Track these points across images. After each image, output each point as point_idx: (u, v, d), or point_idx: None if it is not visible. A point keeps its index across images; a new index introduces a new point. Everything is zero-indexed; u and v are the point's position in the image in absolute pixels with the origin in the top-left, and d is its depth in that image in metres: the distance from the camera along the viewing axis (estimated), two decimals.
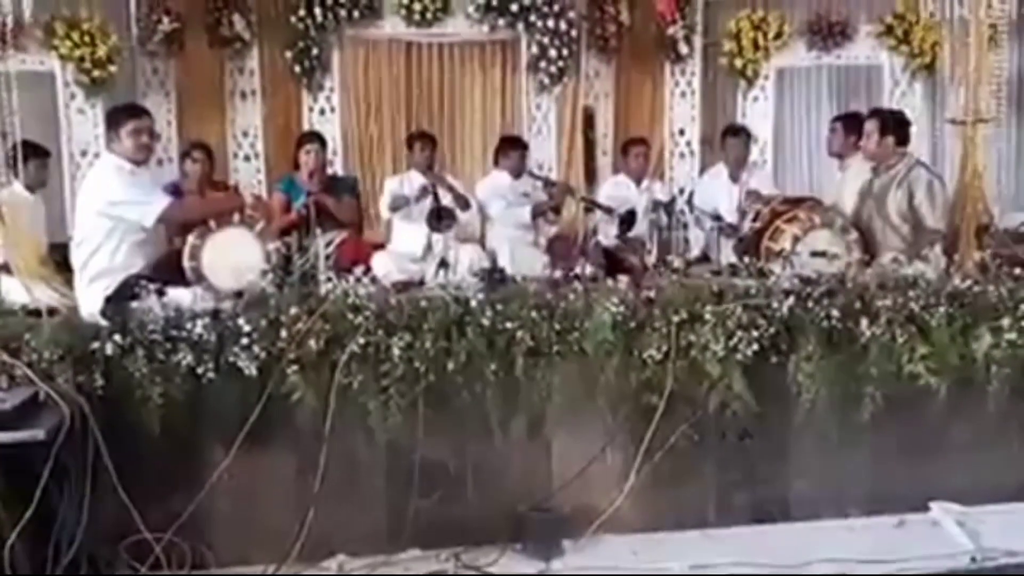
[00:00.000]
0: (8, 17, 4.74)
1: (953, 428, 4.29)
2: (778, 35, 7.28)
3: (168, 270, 4.48)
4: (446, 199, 6.15)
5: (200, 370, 3.86)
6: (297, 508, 3.91)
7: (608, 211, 6.49)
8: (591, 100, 7.63)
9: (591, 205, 6.50)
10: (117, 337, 3.83)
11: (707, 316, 4.09)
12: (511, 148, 6.72)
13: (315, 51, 7.15)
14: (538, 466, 4.22)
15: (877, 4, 7.33)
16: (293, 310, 3.94)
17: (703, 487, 4.31)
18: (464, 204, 6.32)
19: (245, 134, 7.26)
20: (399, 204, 6.31)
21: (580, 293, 4.27)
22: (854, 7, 7.37)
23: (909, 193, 5.02)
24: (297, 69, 7.16)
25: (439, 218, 5.91)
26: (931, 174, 5.13)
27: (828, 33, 7.31)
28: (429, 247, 6.09)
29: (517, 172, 6.63)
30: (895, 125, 5.17)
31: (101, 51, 6.55)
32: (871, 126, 5.18)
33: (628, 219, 6.36)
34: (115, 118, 4.55)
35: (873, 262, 4.72)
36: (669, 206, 5.96)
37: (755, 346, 4.04)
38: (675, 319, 4.10)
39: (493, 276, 5.28)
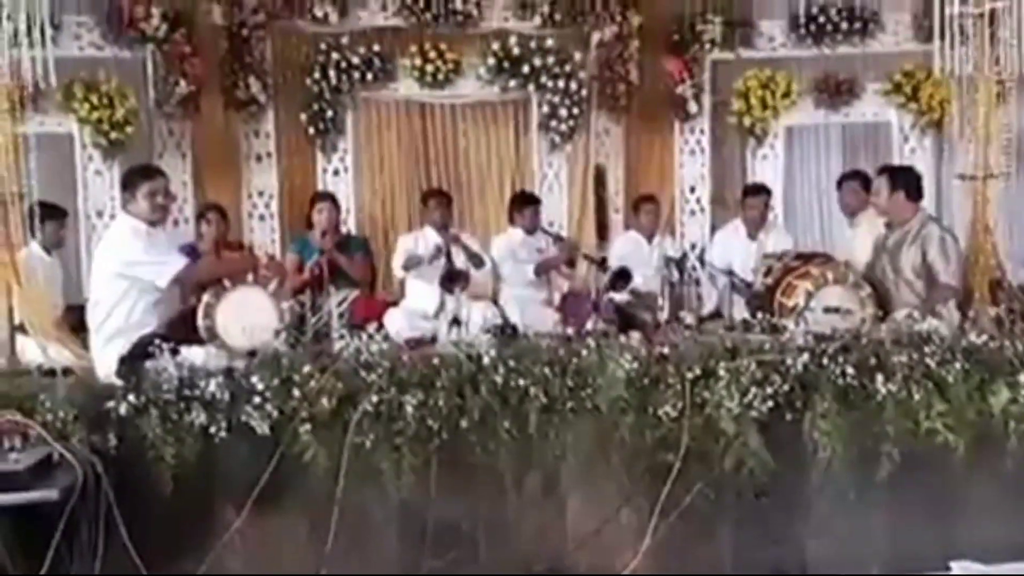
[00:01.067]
0: (29, 82, 4.84)
1: (972, 485, 4.22)
2: (786, 94, 7.35)
3: (182, 329, 4.49)
4: (460, 258, 6.17)
5: (212, 429, 3.85)
6: (309, 568, 3.87)
7: (601, 263, 6.49)
8: (602, 158, 7.70)
9: (588, 259, 6.49)
10: (131, 397, 3.83)
11: (721, 372, 4.06)
12: (525, 204, 6.76)
13: (330, 113, 7.26)
14: (552, 525, 4.17)
15: (884, 62, 7.40)
16: (306, 368, 3.93)
17: (719, 547, 4.25)
18: (478, 262, 6.35)
19: (260, 194, 7.35)
20: (412, 264, 6.34)
21: (593, 349, 4.25)
22: (861, 66, 7.45)
23: (922, 249, 5.01)
24: (312, 131, 7.27)
25: (451, 280, 5.92)
26: (944, 230, 5.12)
27: (836, 91, 7.39)
28: (442, 305, 6.09)
29: (531, 228, 6.66)
30: (906, 180, 5.18)
31: (119, 113, 6.66)
32: (880, 182, 5.20)
33: (621, 275, 6.30)
34: (131, 179, 4.61)
35: (887, 318, 4.70)
36: (680, 262, 5.96)
37: (770, 403, 4.00)
38: (689, 375, 4.07)
39: (505, 333, 5.31)
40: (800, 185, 7.92)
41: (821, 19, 7.35)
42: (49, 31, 4.85)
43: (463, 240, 6.39)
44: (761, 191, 6.75)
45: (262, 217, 7.37)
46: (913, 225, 5.09)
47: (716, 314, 6.28)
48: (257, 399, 3.87)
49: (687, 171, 7.74)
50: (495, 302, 6.46)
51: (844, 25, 7.35)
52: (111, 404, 3.82)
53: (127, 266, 4.39)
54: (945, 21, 5.26)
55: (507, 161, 7.80)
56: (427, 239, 6.43)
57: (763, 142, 7.50)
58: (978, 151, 5.18)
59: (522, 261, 6.60)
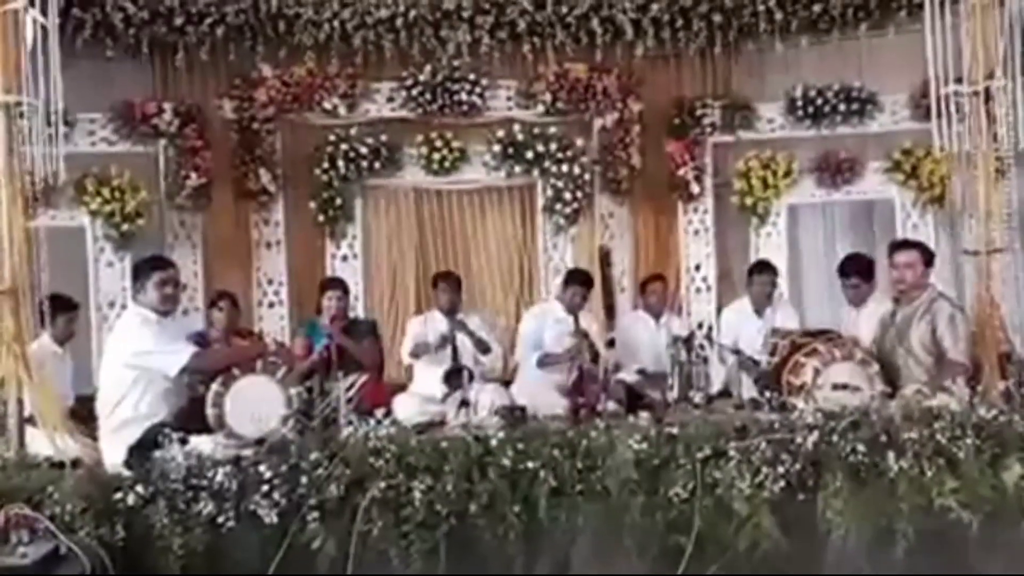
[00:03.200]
0: (41, 179, 4.93)
1: (988, 562, 4.15)
2: (787, 173, 7.44)
3: (191, 418, 4.51)
4: (467, 345, 6.16)
5: (220, 519, 3.83)
6: None
7: (610, 344, 6.45)
8: (607, 239, 7.77)
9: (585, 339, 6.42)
10: (139, 488, 3.82)
11: (732, 452, 4.04)
12: (571, 283, 6.58)
13: (338, 201, 7.38)
14: None
15: (884, 140, 7.51)
16: (313, 455, 3.93)
17: None
18: (484, 349, 6.33)
19: (270, 282, 7.43)
20: (420, 351, 6.35)
21: (602, 430, 4.24)
22: (861, 144, 7.55)
23: (932, 325, 5.01)
24: (321, 218, 7.38)
25: (454, 377, 5.91)
26: (953, 306, 5.13)
27: (837, 170, 7.47)
28: (452, 372, 6.07)
29: (573, 308, 6.46)
30: (931, 256, 5.23)
31: (130, 206, 6.80)
32: (909, 257, 5.17)
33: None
34: (141, 270, 4.69)
35: (896, 394, 4.68)
36: (688, 341, 5.97)
37: (782, 482, 3.97)
38: (699, 456, 4.05)
39: (514, 415, 5.29)
40: (805, 261, 7.96)
41: (819, 101, 7.48)
42: (63, 129, 4.97)
43: (470, 327, 6.36)
44: (766, 269, 6.76)
45: (271, 304, 7.43)
46: (923, 301, 5.10)
47: (725, 393, 6.27)
48: (265, 487, 3.86)
49: (692, 250, 7.80)
50: (506, 384, 6.46)
51: (842, 107, 7.47)
52: (119, 495, 3.81)
53: (137, 356, 4.43)
54: (941, 100, 5.34)
55: (514, 245, 7.89)
56: (435, 323, 6.45)
57: (766, 221, 7.57)
58: (980, 227, 5.20)
59: (550, 341, 6.50)
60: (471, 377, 5.94)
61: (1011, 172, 6.02)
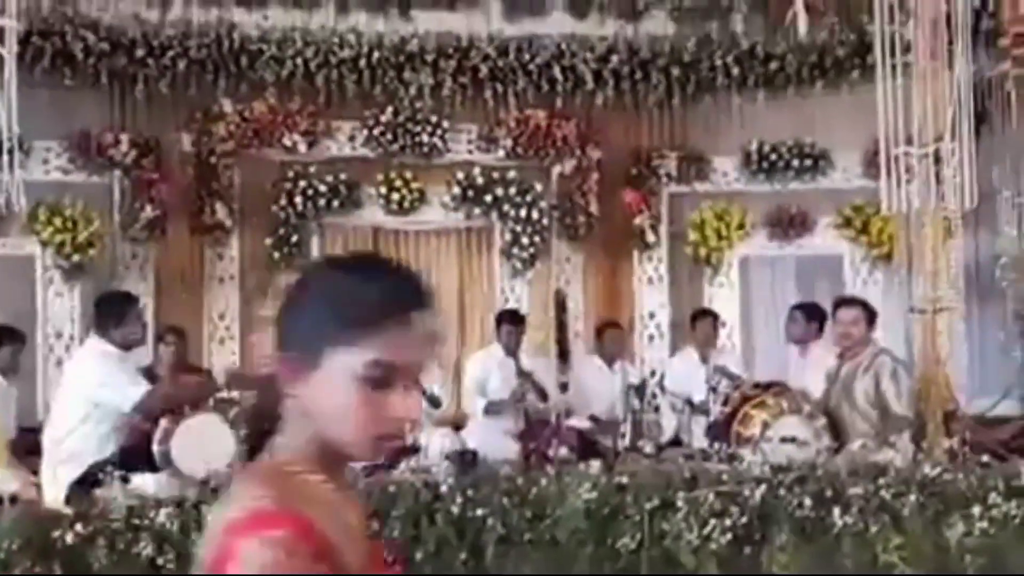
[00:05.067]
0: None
1: None
2: (740, 226, 7.56)
3: (137, 454, 4.44)
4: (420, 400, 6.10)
5: (160, 561, 3.75)
6: None
7: (563, 388, 6.46)
8: (563, 284, 7.81)
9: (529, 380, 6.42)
10: (79, 527, 3.74)
11: (680, 503, 4.05)
12: (503, 322, 6.63)
13: (294, 238, 7.34)
14: None
15: (835, 197, 7.66)
16: None
17: None
18: (436, 404, 6.26)
19: (221, 317, 7.34)
20: None
21: (552, 478, 4.24)
22: (813, 200, 7.70)
23: (876, 379, 5.10)
24: (276, 255, 7.32)
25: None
26: (896, 361, 5.23)
27: (789, 224, 7.61)
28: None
29: (511, 349, 6.49)
30: (874, 313, 5.33)
31: (82, 236, 6.69)
32: (854, 315, 5.28)
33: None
34: (115, 306, 4.65)
35: (842, 448, 4.74)
36: (641, 389, 6.01)
37: (729, 535, 3.99)
38: (648, 506, 4.06)
39: (464, 459, 5.27)
40: (756, 313, 8.06)
41: (773, 156, 7.63)
42: (18, 155, 4.92)
43: (423, 383, 6.23)
44: (707, 314, 6.90)
45: (222, 340, 7.34)
46: (866, 356, 5.20)
47: (676, 441, 6.30)
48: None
49: (646, 298, 7.86)
50: (457, 428, 6.42)
51: (795, 162, 7.63)
52: (58, 533, 3.72)
53: (95, 390, 4.40)
54: (891, 160, 5.49)
55: (470, 286, 7.90)
56: None
57: (719, 271, 7.67)
58: (927, 285, 5.32)
59: (495, 385, 6.49)
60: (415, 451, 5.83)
61: (958, 232, 6.18)
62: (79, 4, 6.93)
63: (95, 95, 7.05)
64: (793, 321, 6.17)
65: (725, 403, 5.61)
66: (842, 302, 5.53)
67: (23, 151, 5.87)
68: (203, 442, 4.41)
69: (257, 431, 1.29)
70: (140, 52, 6.94)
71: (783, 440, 4.78)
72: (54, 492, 4.25)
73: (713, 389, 5.60)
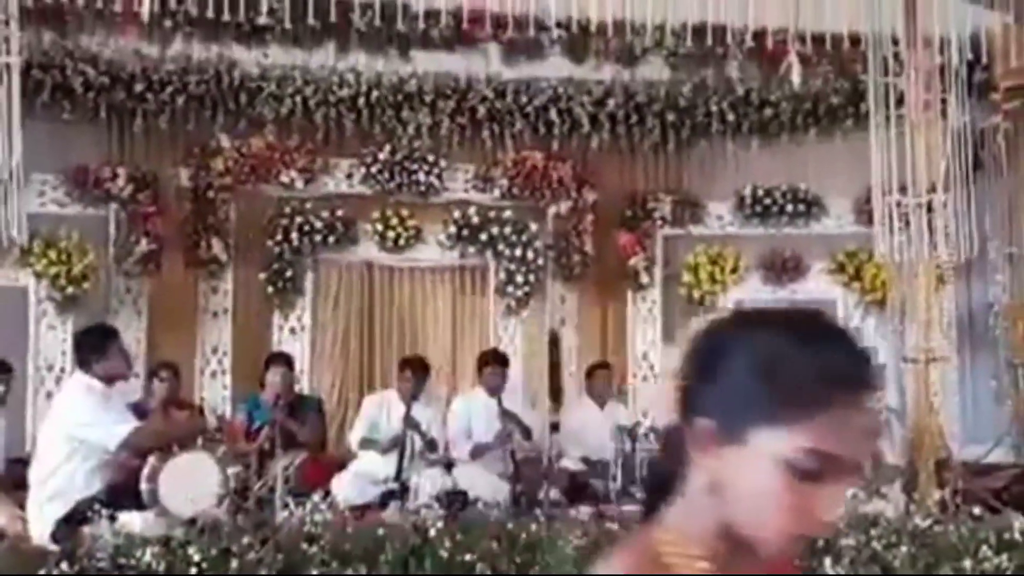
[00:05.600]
0: None
1: None
2: (734, 269, 7.59)
3: (124, 492, 4.40)
4: (417, 442, 6.07)
5: None
6: None
7: (554, 428, 6.44)
8: (557, 323, 7.82)
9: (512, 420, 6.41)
10: (64, 565, 3.71)
11: None
12: (486, 364, 6.63)
13: (289, 273, 7.34)
14: None
15: (829, 242, 7.70)
16: (246, 539, 3.85)
17: None
18: (432, 447, 6.22)
19: (214, 351, 7.31)
20: (366, 447, 6.26)
21: (542, 524, 4.22)
22: (806, 245, 7.74)
23: None
24: (270, 290, 7.32)
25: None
26: (888, 411, 5.24)
27: (782, 269, 7.64)
28: (398, 474, 5.97)
29: (494, 390, 6.46)
30: None
31: (76, 269, 6.67)
32: None
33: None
34: (101, 336, 4.62)
35: None
36: (632, 431, 6.00)
37: None
38: None
39: (455, 501, 5.25)
40: None
41: (767, 201, 7.68)
42: (15, 189, 4.94)
43: (422, 426, 6.18)
44: None
45: (214, 374, 7.31)
46: None
47: None
48: (194, 571, 3.77)
49: (639, 338, 7.87)
50: (448, 467, 6.38)
51: (789, 207, 7.68)
52: (43, 572, 3.69)
53: (79, 427, 4.35)
54: (884, 209, 5.53)
55: (464, 324, 7.89)
56: (391, 408, 6.35)
57: (712, 314, 7.68)
58: (920, 334, 5.34)
59: (480, 427, 6.47)
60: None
61: (951, 281, 6.21)
62: (80, 39, 6.97)
63: (93, 129, 7.07)
64: None
65: None
66: None
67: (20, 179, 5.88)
68: (191, 481, 4.39)
69: (656, 486, 1.13)
70: (139, 87, 6.96)
71: None
72: (40, 529, 4.21)
73: None
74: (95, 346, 4.55)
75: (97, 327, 4.92)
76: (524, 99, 7.57)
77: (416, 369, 6.46)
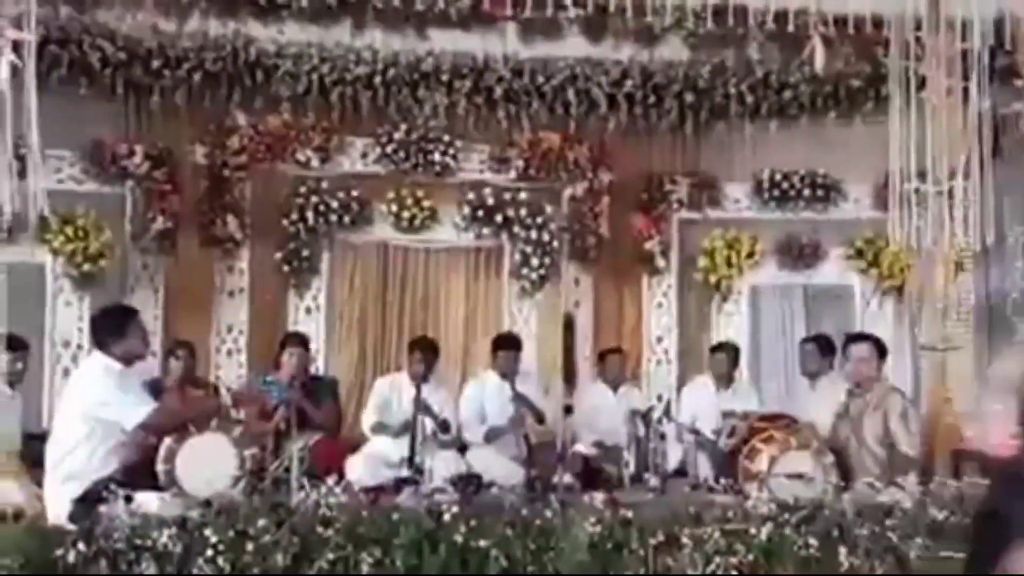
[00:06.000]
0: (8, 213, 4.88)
1: None
2: (750, 254, 7.55)
3: (141, 472, 4.44)
4: (428, 425, 6.07)
5: None
6: None
7: (567, 411, 6.40)
8: (571, 307, 7.80)
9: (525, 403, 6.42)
10: (81, 545, 3.73)
11: (685, 540, 4.03)
12: (500, 348, 6.66)
13: (305, 253, 7.33)
14: None
15: (846, 228, 7.64)
16: (261, 522, 3.86)
17: None
18: (445, 428, 6.23)
19: (230, 330, 7.32)
20: (379, 431, 6.28)
21: (556, 510, 4.22)
22: (824, 230, 7.68)
23: (885, 418, 5.08)
24: (286, 269, 7.32)
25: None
26: (905, 400, 5.21)
27: (799, 254, 7.60)
28: (411, 457, 5.98)
29: (507, 373, 6.48)
30: (884, 349, 5.31)
31: (93, 246, 6.67)
32: (865, 351, 5.26)
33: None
34: (120, 316, 4.64)
35: (849, 486, 4.72)
36: (646, 416, 6.00)
37: (734, 572, 3.97)
38: (652, 541, 4.04)
39: (469, 484, 5.25)
40: (764, 342, 8.03)
41: (784, 185, 7.62)
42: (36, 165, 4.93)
43: (433, 408, 6.18)
44: (727, 348, 6.86)
45: (229, 352, 7.32)
46: (876, 393, 5.18)
47: (681, 471, 6.28)
48: (210, 552, 3.78)
49: (654, 322, 7.84)
50: (462, 450, 6.41)
51: (806, 192, 7.62)
52: (60, 551, 3.72)
53: (96, 407, 4.36)
54: (902, 196, 5.47)
55: (479, 306, 7.89)
56: (402, 390, 6.36)
57: (728, 299, 7.66)
58: (937, 322, 5.30)
59: (493, 411, 6.48)
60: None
61: (969, 269, 6.15)
62: (97, 14, 6.93)
63: (110, 105, 7.04)
64: (807, 354, 6.17)
65: (732, 434, 5.59)
66: (853, 338, 5.51)
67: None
68: (207, 462, 4.42)
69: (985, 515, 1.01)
70: (156, 63, 6.93)
71: (790, 476, 4.75)
72: (56, 509, 4.24)
73: (730, 434, 5.57)
74: (113, 326, 4.55)
75: (115, 307, 4.95)
76: (541, 79, 7.50)
77: (425, 350, 6.46)
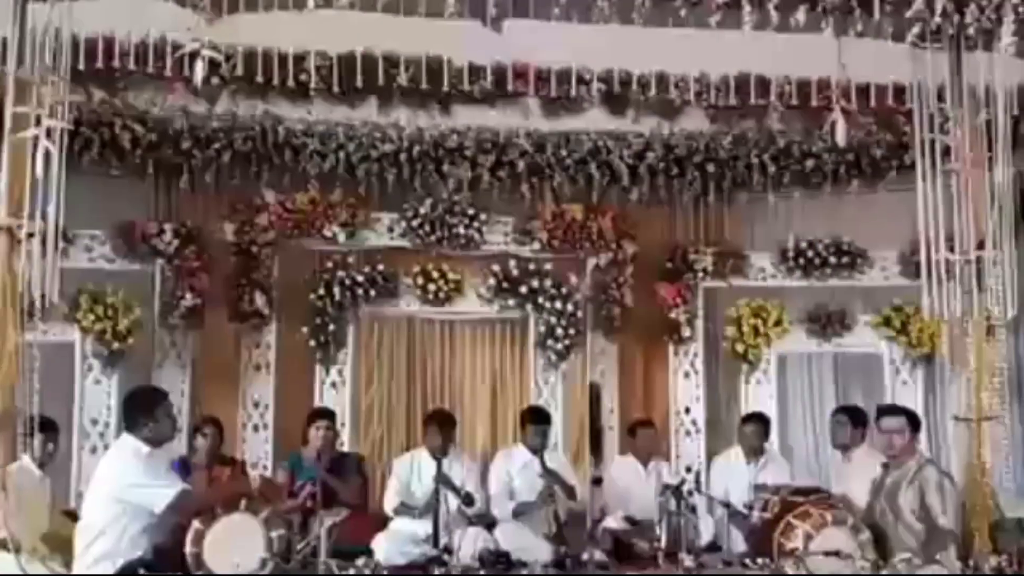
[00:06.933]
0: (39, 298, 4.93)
1: None
2: (777, 322, 7.51)
3: (170, 555, 4.42)
4: (452, 499, 6.01)
5: None
6: None
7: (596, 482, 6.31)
8: (597, 377, 7.77)
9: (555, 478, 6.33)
10: None
11: None
12: (529, 422, 6.60)
13: (331, 327, 7.35)
14: None
15: (874, 295, 7.60)
16: None
17: None
18: (469, 502, 6.16)
19: (256, 405, 7.33)
20: (402, 513, 6.23)
21: None
22: (851, 297, 7.64)
23: (921, 492, 5.00)
24: (312, 343, 7.33)
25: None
26: (941, 473, 5.13)
27: (827, 322, 7.55)
28: (435, 534, 5.91)
29: (536, 448, 6.42)
30: (918, 422, 5.25)
31: (122, 324, 6.74)
32: (899, 424, 5.20)
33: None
34: (150, 398, 4.69)
35: (887, 563, 4.62)
36: (677, 490, 5.92)
37: None
38: None
39: (497, 562, 5.19)
40: (793, 412, 7.96)
41: (809, 253, 7.62)
42: (61, 244, 5.00)
43: (455, 481, 6.13)
44: (757, 419, 6.80)
45: (256, 427, 7.32)
46: (911, 466, 5.10)
47: (714, 545, 6.18)
48: None
49: (681, 392, 7.78)
50: (490, 527, 6.33)
51: (832, 259, 7.61)
52: None
53: (126, 489, 4.38)
54: (931, 265, 5.44)
55: (504, 377, 7.87)
56: (422, 466, 6.33)
57: (756, 368, 7.60)
58: (971, 393, 5.23)
59: (521, 486, 6.41)
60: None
61: (1001, 338, 6.08)
62: (128, 97, 7.08)
63: (141, 185, 7.19)
64: (839, 425, 6.09)
65: (765, 508, 5.50)
66: (885, 411, 5.44)
67: (66, 240, 5.96)
68: (235, 544, 4.40)
69: None
70: (186, 144, 7.05)
71: (827, 554, 4.66)
72: None
73: (763, 508, 5.49)
74: (144, 409, 4.59)
75: (146, 390, 4.99)
76: (563, 152, 7.56)
77: (443, 423, 6.44)
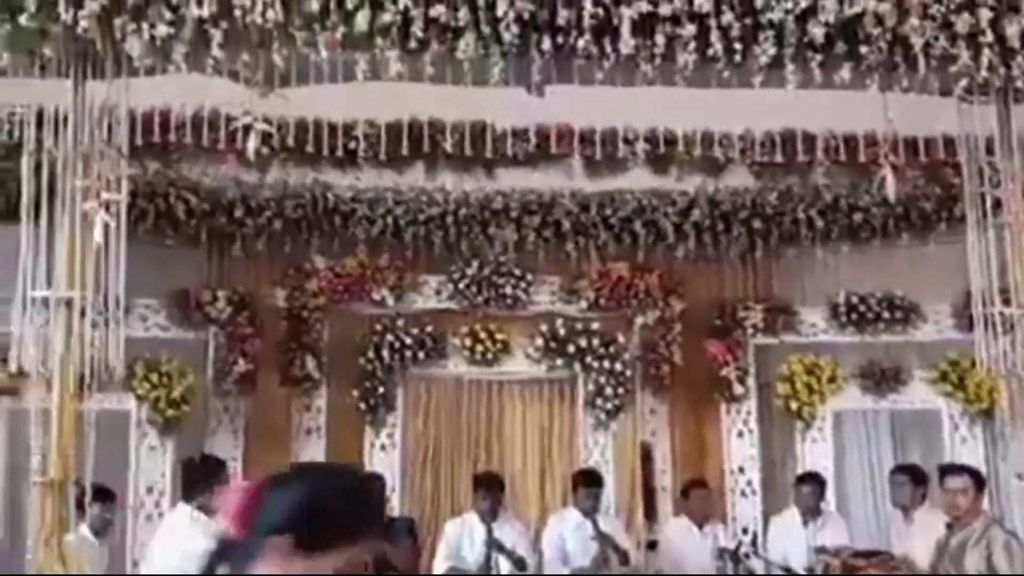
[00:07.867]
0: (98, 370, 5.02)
1: None
2: (831, 379, 7.40)
3: None
4: (503, 563, 5.97)
5: None
6: None
7: (651, 546, 6.22)
8: (648, 436, 7.70)
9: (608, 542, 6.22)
10: None
11: None
12: (581, 485, 6.55)
13: (380, 389, 7.40)
14: None
15: (929, 350, 7.48)
16: None
17: None
18: (521, 567, 6.11)
19: None
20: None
21: None
22: (905, 352, 7.52)
23: (987, 552, 4.86)
24: (362, 406, 7.38)
25: None
26: (1007, 533, 4.99)
27: (882, 378, 7.43)
28: None
29: (589, 511, 6.37)
30: (983, 481, 5.13)
31: (176, 392, 6.84)
32: (962, 483, 5.09)
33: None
34: (200, 473, 4.72)
35: None
36: (735, 553, 5.82)
37: None
38: None
39: None
40: (850, 470, 7.80)
41: (861, 308, 7.52)
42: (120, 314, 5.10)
43: (506, 544, 6.11)
44: (813, 479, 6.68)
45: None
46: (976, 527, 4.97)
47: None
48: None
49: (735, 452, 7.67)
50: None
51: (885, 314, 7.51)
52: None
53: (185, 558, 4.38)
54: (986, 319, 5.35)
55: (553, 438, 7.82)
56: (473, 530, 6.30)
57: (811, 426, 7.47)
58: None
59: (574, 550, 6.34)
60: None
61: None
62: (182, 168, 7.27)
63: (194, 253, 7.34)
64: (898, 485, 5.97)
65: (826, 571, 5.39)
66: (948, 470, 5.32)
67: (125, 309, 6.07)
68: None
69: None
70: (239, 213, 7.22)
71: None
72: None
73: (824, 572, 5.37)
74: (200, 478, 4.65)
75: (205, 459, 5.05)
76: (608, 211, 7.62)
77: (491, 486, 6.41)
